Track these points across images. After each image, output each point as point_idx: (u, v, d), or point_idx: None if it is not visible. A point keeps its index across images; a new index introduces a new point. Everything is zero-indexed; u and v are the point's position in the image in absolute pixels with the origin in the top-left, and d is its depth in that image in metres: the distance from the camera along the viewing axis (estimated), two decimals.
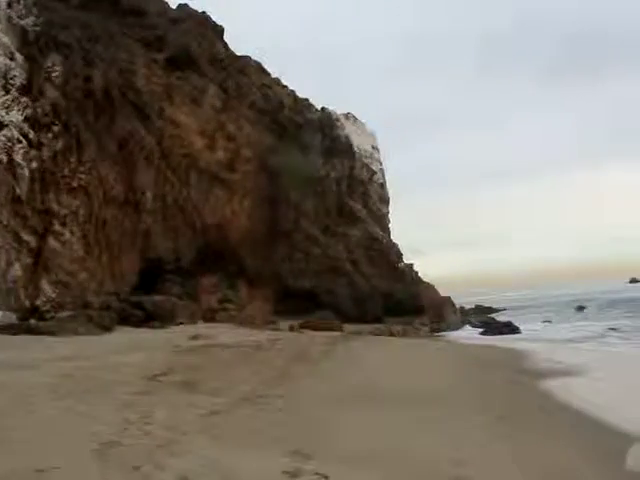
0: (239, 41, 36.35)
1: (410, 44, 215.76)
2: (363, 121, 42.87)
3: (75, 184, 21.07)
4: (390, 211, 43.25)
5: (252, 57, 35.74)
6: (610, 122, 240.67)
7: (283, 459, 5.57)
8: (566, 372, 13.97)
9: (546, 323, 37.08)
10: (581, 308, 45.87)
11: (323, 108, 38.99)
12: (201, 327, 20.26)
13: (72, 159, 21.19)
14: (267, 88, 35.11)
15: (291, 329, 23.79)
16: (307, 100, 38.08)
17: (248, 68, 34.38)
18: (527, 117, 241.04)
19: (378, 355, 16.60)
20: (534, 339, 26.64)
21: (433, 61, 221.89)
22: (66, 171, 20.91)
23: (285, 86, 37.14)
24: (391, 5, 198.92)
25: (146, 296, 21.59)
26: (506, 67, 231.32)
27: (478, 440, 7.27)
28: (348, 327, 25.73)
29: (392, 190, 43.76)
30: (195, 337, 16.72)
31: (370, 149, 42.12)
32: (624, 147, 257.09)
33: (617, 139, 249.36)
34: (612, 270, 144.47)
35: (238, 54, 34.27)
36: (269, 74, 36.43)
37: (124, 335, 17.24)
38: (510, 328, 30.35)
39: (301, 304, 29.05)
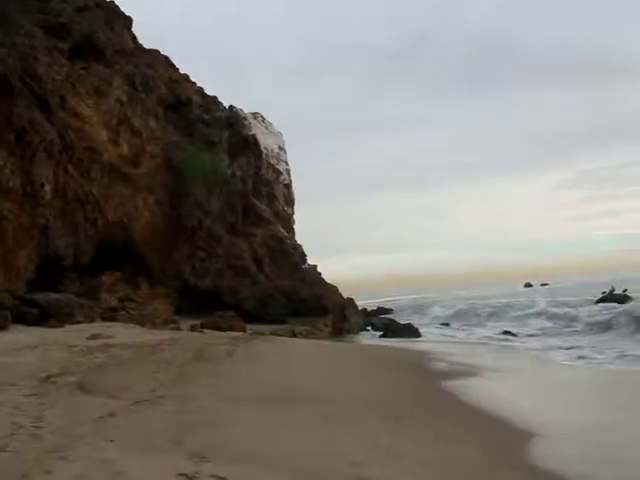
0: (147, 35, 35.66)
1: (315, 48, 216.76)
2: (271, 121, 42.87)
3: None
4: (295, 212, 43.45)
5: (160, 51, 35.25)
6: (513, 132, 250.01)
7: (181, 461, 5.51)
8: (466, 373, 14.44)
9: (444, 326, 38.05)
10: (479, 311, 47.15)
11: (231, 106, 38.77)
12: (100, 326, 19.74)
13: None
14: (175, 83, 34.65)
15: (192, 329, 23.51)
16: (215, 97, 37.80)
17: (156, 62, 33.81)
18: (434, 125, 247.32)
19: (281, 356, 16.65)
20: (434, 341, 27.35)
21: (340, 66, 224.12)
22: None
23: (193, 82, 36.75)
24: (296, 8, 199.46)
25: (42, 294, 20.83)
26: (415, 75, 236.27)
27: (378, 440, 7.42)
28: (251, 327, 25.68)
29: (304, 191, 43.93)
30: (93, 337, 16.28)
31: (277, 149, 42.14)
32: (525, 157, 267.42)
33: (518, 149, 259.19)
34: (511, 274, 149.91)
35: (146, 47, 33.67)
36: (177, 69, 35.97)
37: (18, 334, 16.60)
38: (411, 330, 30.95)
39: (204, 303, 28.80)
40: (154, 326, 22.35)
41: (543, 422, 8.90)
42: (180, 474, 5.10)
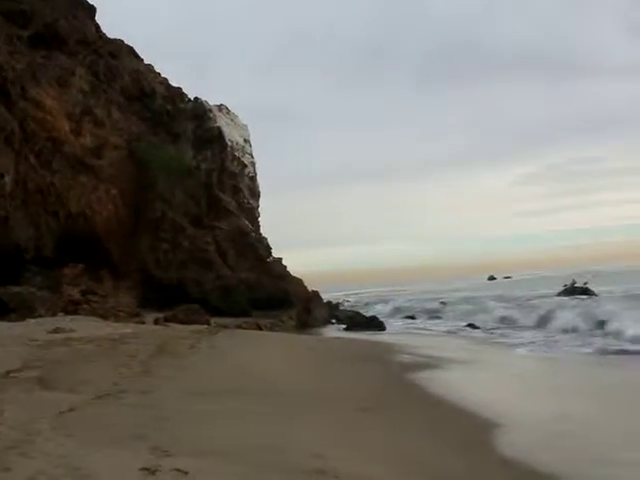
0: (110, 25, 35.19)
1: (281, 42, 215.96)
2: (236, 113, 42.66)
3: None
4: (260, 205, 43.34)
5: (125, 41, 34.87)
6: (478, 127, 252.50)
7: (142, 456, 5.45)
8: (431, 365, 14.56)
9: (409, 319, 38.20)
10: (442, 304, 47.39)
11: (196, 98, 38.50)
12: (62, 320, 19.47)
13: None
14: (139, 74, 34.30)
15: (156, 322, 23.33)
16: (180, 89, 37.51)
17: (120, 52, 33.47)
18: (399, 121, 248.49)
19: (245, 349, 16.61)
20: (399, 333, 27.52)
21: (306, 61, 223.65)
22: None
23: (158, 73, 36.43)
24: (267, 3, 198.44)
25: (3, 287, 20.52)
26: (380, 71, 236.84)
27: (340, 433, 7.44)
28: (215, 320, 25.56)
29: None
30: (55, 330, 16.06)
31: (242, 142, 41.94)
32: (487, 153, 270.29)
33: (484, 144, 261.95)
34: (474, 267, 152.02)
35: (110, 37, 33.29)
36: (142, 60, 35.62)
37: None
38: (375, 323, 30.99)
39: (168, 296, 28.61)
40: (117, 319, 22.11)
41: (508, 413, 9.04)
42: (142, 468, 5.05)
